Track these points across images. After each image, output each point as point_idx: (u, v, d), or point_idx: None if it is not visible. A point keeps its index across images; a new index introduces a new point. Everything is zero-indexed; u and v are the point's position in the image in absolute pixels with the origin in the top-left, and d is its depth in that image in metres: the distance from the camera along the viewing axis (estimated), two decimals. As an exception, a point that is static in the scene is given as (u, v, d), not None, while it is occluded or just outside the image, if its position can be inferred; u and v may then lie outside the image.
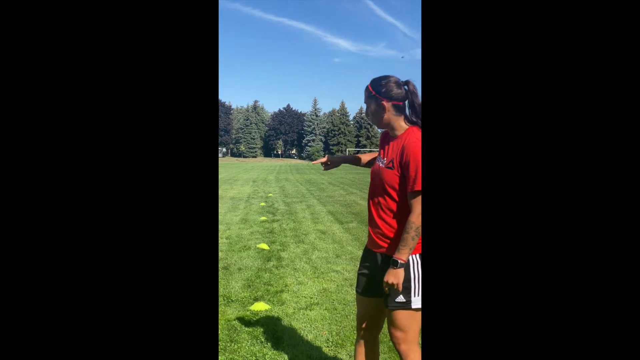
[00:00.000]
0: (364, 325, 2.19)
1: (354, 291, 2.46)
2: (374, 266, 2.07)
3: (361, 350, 2.22)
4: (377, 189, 2.05)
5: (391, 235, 2.00)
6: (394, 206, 1.99)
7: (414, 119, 2.01)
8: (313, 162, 2.53)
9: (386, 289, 1.95)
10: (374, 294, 2.12)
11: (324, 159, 2.39)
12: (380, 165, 2.05)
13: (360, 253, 5.44)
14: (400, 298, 1.95)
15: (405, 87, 2.01)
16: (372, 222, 2.08)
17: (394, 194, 1.98)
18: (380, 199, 2.03)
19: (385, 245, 2.02)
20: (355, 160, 2.47)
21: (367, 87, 2.06)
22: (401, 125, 2.03)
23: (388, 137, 2.11)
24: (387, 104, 2.01)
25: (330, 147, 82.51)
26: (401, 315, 1.97)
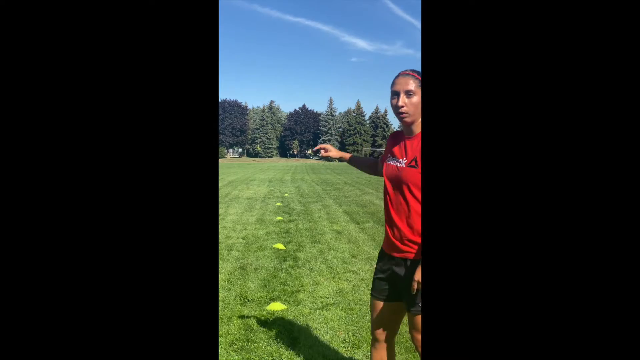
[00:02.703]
0: (381, 330, 2.13)
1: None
2: (396, 272, 2.01)
3: (379, 356, 2.17)
4: (398, 191, 1.97)
5: (417, 239, 1.92)
6: (419, 207, 1.90)
7: None
8: (314, 149, 2.43)
9: (415, 287, 1.85)
10: (394, 299, 2.07)
11: (322, 146, 2.36)
12: (399, 165, 1.97)
13: (376, 253, 5.42)
14: None
15: None
16: (392, 226, 2.00)
17: (419, 194, 1.89)
18: (402, 201, 1.95)
19: (410, 249, 1.95)
20: (352, 159, 2.43)
21: (412, 76, 1.92)
22: (420, 122, 1.96)
23: (400, 136, 2.05)
24: None
25: (346, 146, 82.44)
26: None
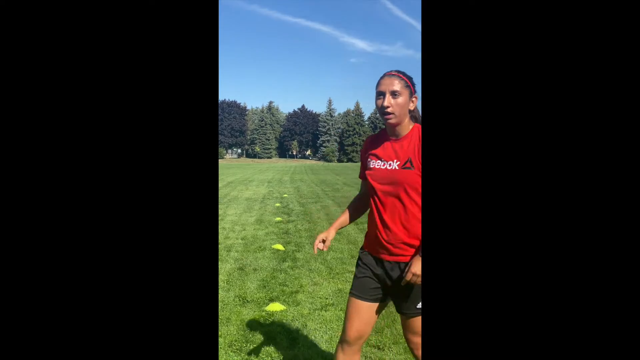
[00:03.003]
0: (358, 333, 2.03)
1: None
2: (390, 275, 1.98)
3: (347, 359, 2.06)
4: (391, 193, 1.94)
5: (413, 241, 1.92)
6: (416, 209, 1.90)
7: (418, 116, 2.01)
8: (315, 252, 2.15)
9: (409, 278, 1.83)
10: (381, 300, 2.05)
11: (319, 242, 2.12)
12: (390, 167, 1.94)
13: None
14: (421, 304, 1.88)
15: None
16: (385, 229, 1.96)
17: (417, 196, 1.89)
18: (398, 204, 1.92)
19: (405, 252, 1.93)
20: (345, 220, 2.27)
21: (397, 76, 1.92)
22: (408, 123, 1.96)
23: (383, 138, 2.03)
24: (416, 100, 1.95)
25: (345, 147, 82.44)
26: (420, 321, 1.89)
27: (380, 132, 2.08)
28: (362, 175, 2.12)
